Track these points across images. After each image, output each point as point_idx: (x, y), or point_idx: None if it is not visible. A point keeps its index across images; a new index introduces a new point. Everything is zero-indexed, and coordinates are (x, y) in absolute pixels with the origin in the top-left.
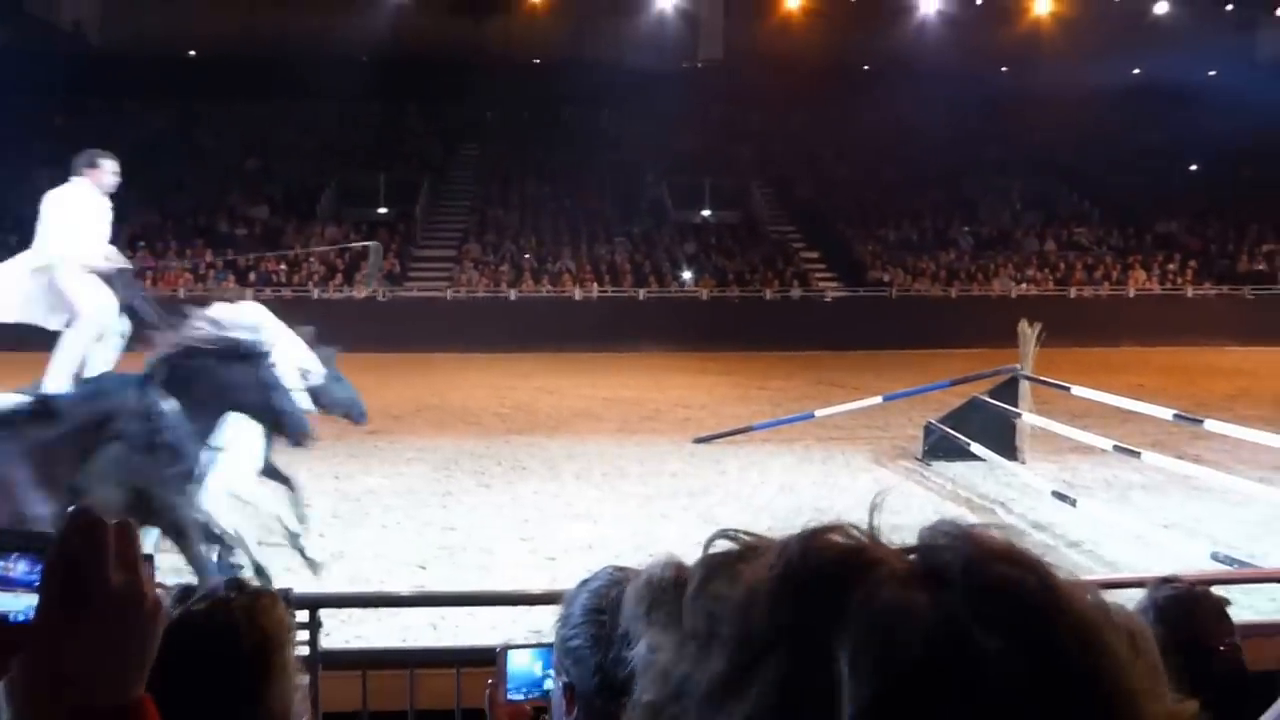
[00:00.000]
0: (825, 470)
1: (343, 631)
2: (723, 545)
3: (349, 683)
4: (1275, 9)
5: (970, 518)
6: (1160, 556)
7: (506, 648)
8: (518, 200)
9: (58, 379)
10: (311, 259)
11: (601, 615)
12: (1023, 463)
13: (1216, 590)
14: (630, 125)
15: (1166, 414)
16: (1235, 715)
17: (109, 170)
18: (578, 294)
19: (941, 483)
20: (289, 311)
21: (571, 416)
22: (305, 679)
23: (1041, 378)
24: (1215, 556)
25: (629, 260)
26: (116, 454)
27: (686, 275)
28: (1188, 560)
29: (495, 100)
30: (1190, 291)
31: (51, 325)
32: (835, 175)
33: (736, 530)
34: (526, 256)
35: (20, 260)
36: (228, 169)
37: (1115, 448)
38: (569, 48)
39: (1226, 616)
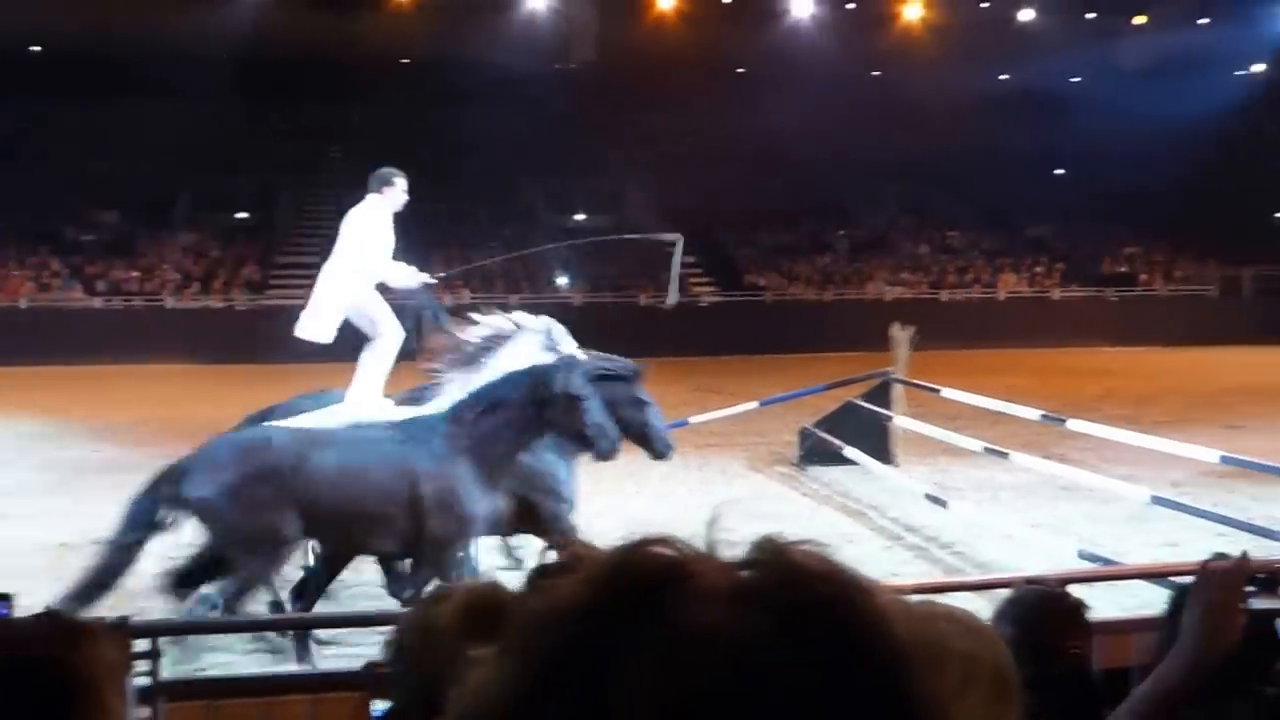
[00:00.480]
0: (702, 477)
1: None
2: (551, 557)
3: (194, 713)
4: (1133, 18)
5: (840, 521)
6: (1030, 556)
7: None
8: None
9: (367, 393)
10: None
11: (424, 636)
12: (896, 466)
13: (1083, 588)
14: (502, 127)
15: (1034, 414)
16: (1081, 715)
17: (401, 189)
18: (448, 299)
19: (817, 487)
20: (141, 322)
21: None
22: (143, 713)
23: (913, 380)
24: (1082, 554)
25: (500, 265)
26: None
27: (562, 281)
28: (1057, 558)
29: (362, 100)
30: (1058, 294)
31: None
32: (711, 179)
33: (570, 542)
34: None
35: (329, 277)
36: (74, 172)
37: (985, 449)
38: (438, 46)
39: (1079, 618)
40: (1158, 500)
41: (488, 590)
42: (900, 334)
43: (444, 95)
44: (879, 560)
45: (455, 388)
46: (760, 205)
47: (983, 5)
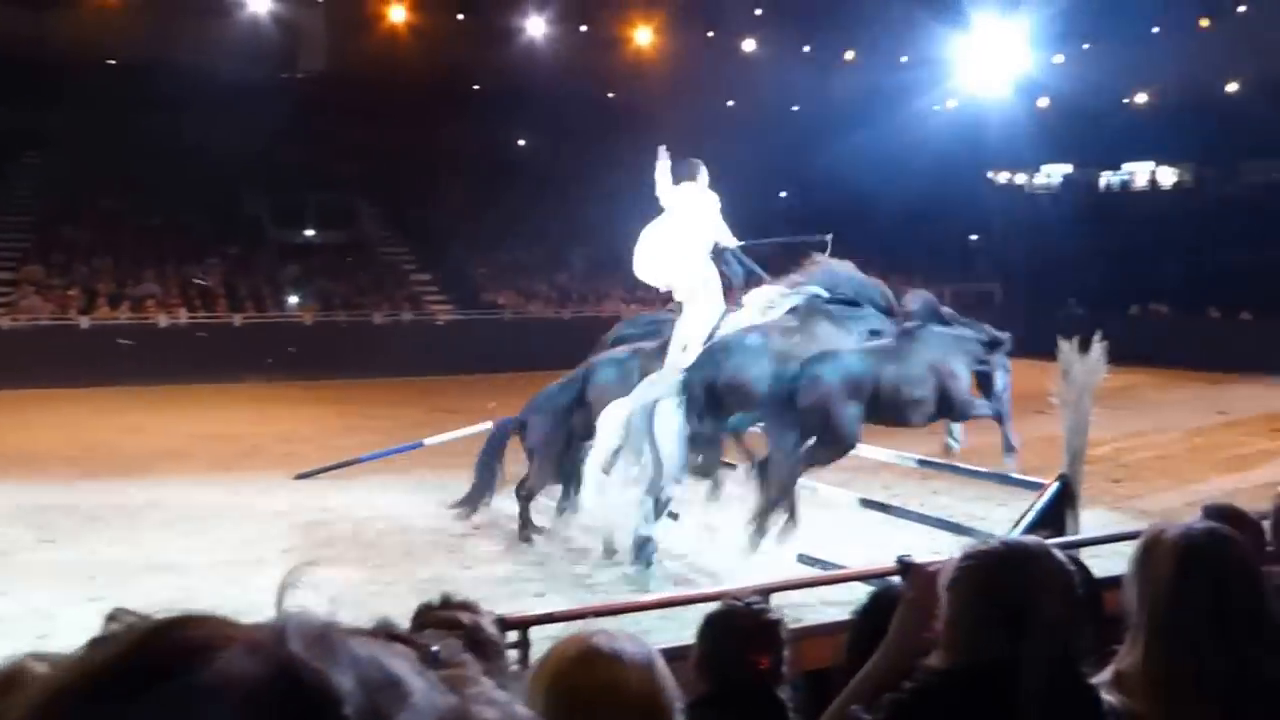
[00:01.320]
0: (438, 500)
1: None
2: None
3: None
4: (845, 53)
5: (578, 538)
6: (755, 563)
7: None
8: (90, 216)
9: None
10: None
11: None
12: None
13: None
14: (224, 137)
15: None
16: None
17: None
18: (164, 320)
19: (551, 505)
20: None
21: (157, 457)
22: None
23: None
24: (801, 559)
25: (223, 283)
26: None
27: (293, 299)
28: (780, 564)
29: (61, 103)
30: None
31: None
32: (448, 195)
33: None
34: (202, 281)
35: (667, 230)
36: None
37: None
38: (151, 49)
39: (766, 631)
40: (866, 503)
41: (12, 670)
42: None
43: (158, 101)
44: (610, 573)
45: None
46: (497, 222)
47: (709, 34)
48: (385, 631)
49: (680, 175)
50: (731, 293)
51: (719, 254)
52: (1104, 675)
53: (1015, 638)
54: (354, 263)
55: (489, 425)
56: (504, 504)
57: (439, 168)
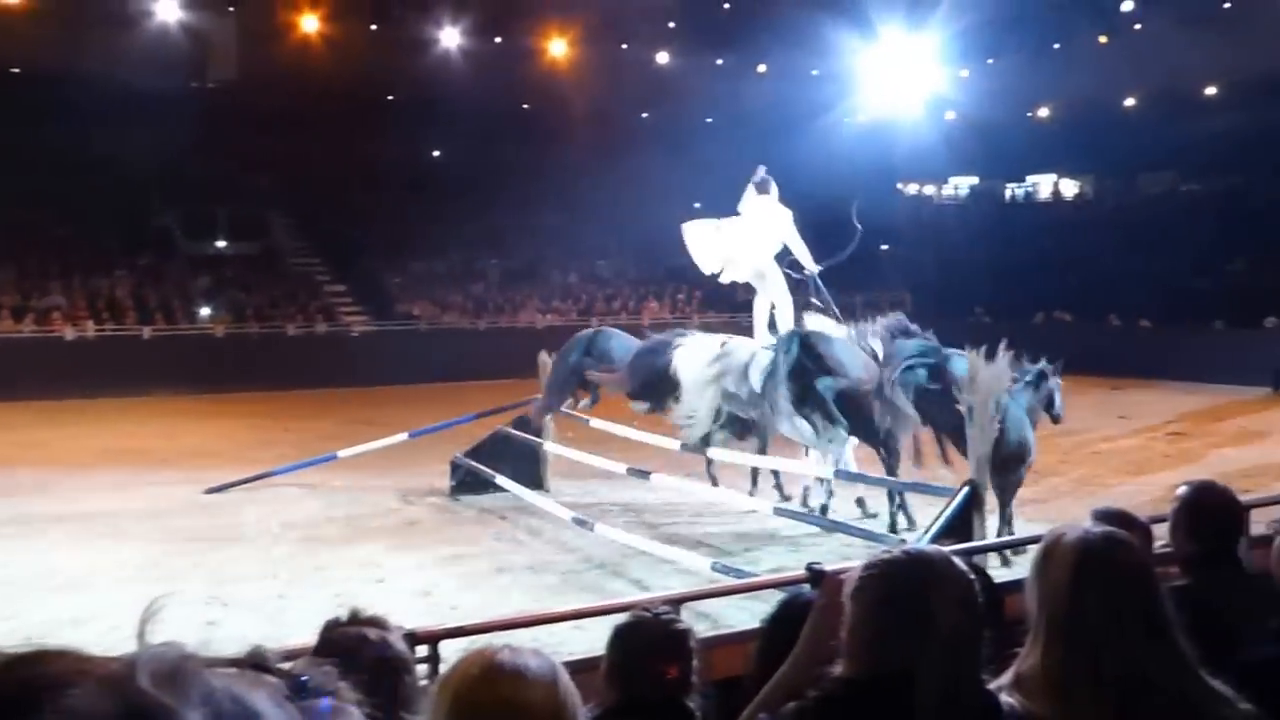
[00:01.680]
0: (351, 513)
1: None
2: None
3: None
4: (758, 65)
5: (492, 548)
6: (672, 572)
7: None
8: None
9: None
10: None
11: None
12: (548, 491)
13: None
14: (133, 147)
15: (674, 445)
16: None
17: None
18: (70, 333)
19: (470, 516)
20: None
21: (62, 473)
22: None
23: (564, 410)
24: (715, 568)
25: (132, 295)
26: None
27: (205, 311)
28: (695, 573)
29: None
30: (697, 319)
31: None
32: (361, 206)
33: None
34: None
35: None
36: None
37: (629, 470)
38: (57, 58)
39: (675, 641)
40: (779, 511)
41: None
42: (548, 361)
43: (64, 111)
44: (527, 585)
45: None
46: (412, 233)
47: (623, 46)
48: (254, 661)
49: (762, 189)
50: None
51: (803, 276)
52: (1005, 678)
53: (916, 646)
54: (266, 274)
55: (404, 437)
56: (421, 513)
57: (352, 178)
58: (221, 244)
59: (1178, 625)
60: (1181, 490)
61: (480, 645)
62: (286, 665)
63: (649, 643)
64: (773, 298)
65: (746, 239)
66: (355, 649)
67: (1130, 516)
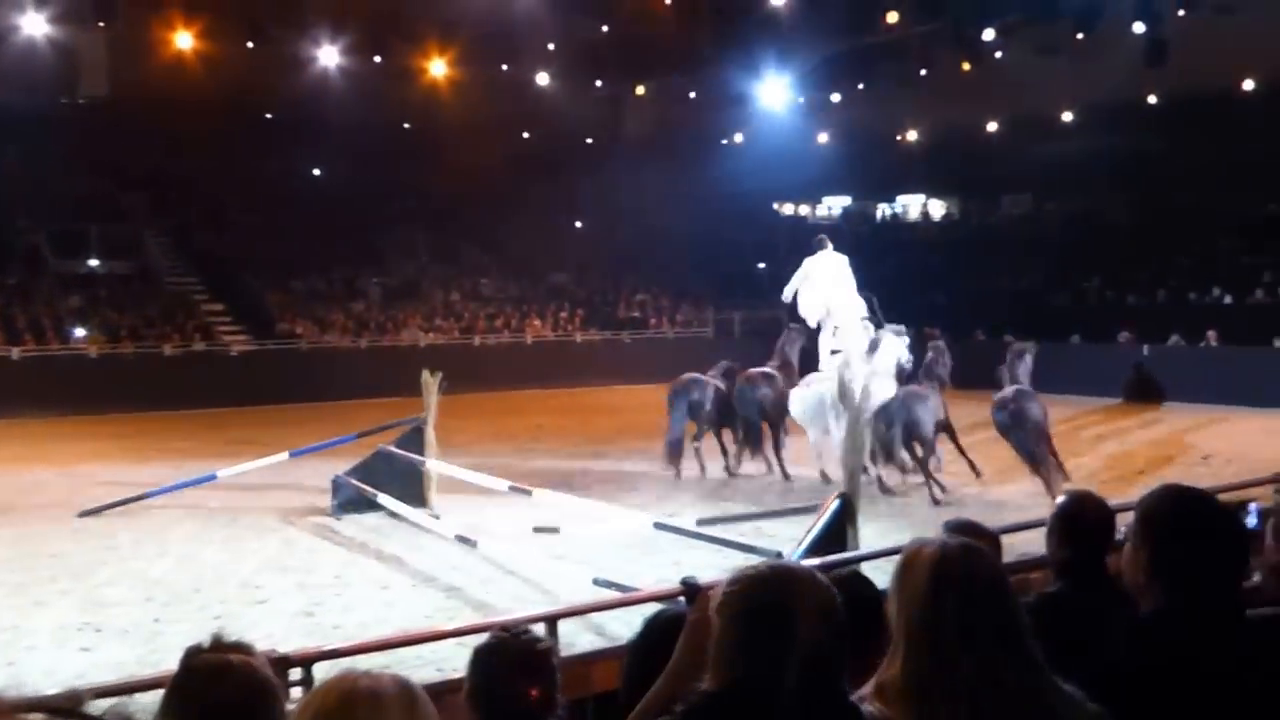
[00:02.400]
0: (231, 534)
1: None
2: None
3: None
4: (637, 88)
5: (375, 568)
6: (554, 587)
7: None
8: None
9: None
10: None
11: None
12: (431, 509)
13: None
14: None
15: (502, 485)
16: None
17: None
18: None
19: (352, 535)
20: None
21: None
22: None
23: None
24: (597, 581)
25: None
26: None
27: (80, 332)
28: (577, 588)
29: None
30: (579, 337)
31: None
32: (239, 224)
33: None
34: None
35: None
36: None
37: (511, 487)
38: None
39: (537, 660)
40: (659, 526)
41: None
42: (430, 380)
43: None
44: (411, 604)
45: None
46: (291, 252)
47: (503, 67)
48: (69, 703)
49: (816, 249)
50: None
51: (868, 302)
52: (867, 687)
53: (777, 658)
54: (141, 293)
55: (284, 457)
56: (302, 533)
57: (230, 196)
58: (94, 263)
59: (1030, 632)
60: (1060, 499)
61: (340, 671)
62: (108, 702)
63: (510, 663)
64: (843, 330)
65: (824, 288)
66: (218, 677)
67: (980, 527)
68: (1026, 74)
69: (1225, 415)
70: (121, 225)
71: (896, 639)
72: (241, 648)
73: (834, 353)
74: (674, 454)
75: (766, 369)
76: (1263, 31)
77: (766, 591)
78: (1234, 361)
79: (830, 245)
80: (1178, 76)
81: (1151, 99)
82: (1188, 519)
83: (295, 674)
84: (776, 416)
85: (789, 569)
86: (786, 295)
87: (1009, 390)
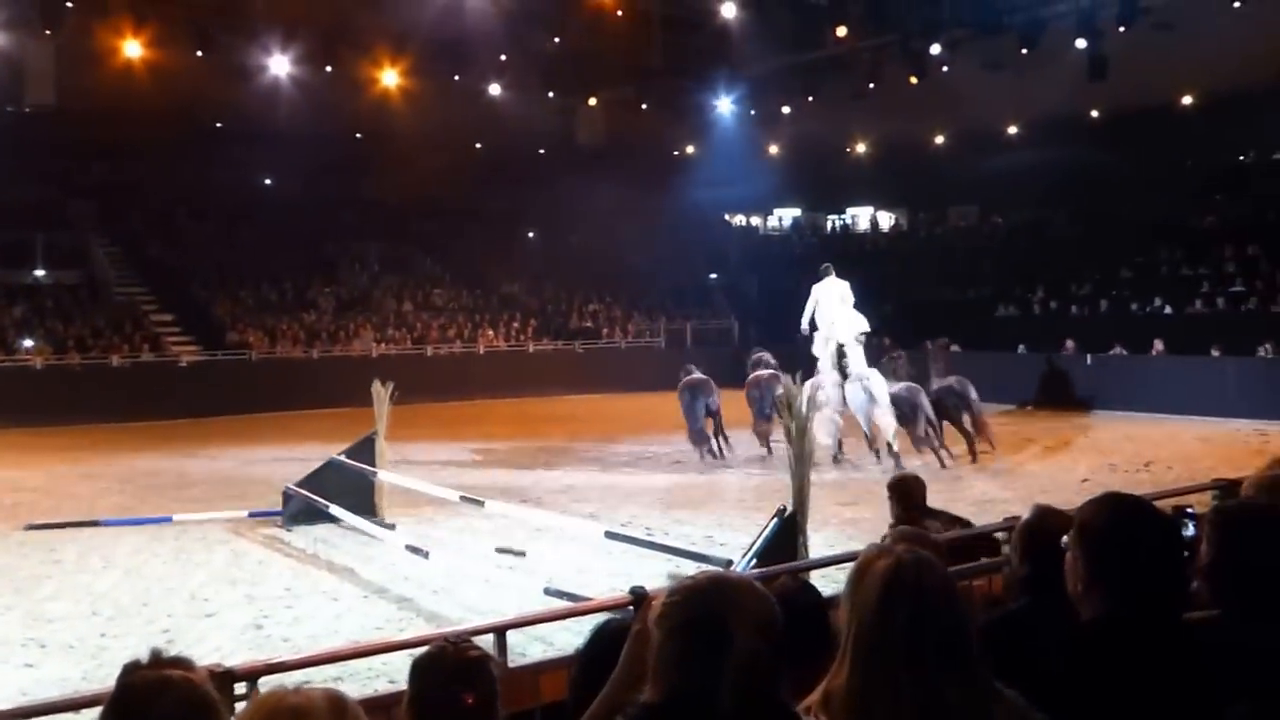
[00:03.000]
0: (179, 547)
1: None
2: None
3: None
4: (589, 99)
5: (325, 579)
6: (504, 597)
7: None
8: None
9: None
10: None
11: None
12: (383, 520)
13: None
14: None
15: (453, 495)
16: None
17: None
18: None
19: (303, 547)
20: None
21: None
22: None
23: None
24: (548, 591)
25: None
26: None
27: (28, 343)
28: (528, 598)
29: None
30: (531, 348)
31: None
32: (189, 234)
33: None
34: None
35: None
36: None
37: (462, 498)
38: None
39: (473, 668)
40: (610, 535)
41: None
42: (381, 390)
43: None
44: (362, 615)
45: None
46: (242, 261)
47: (455, 77)
48: None
49: (822, 275)
50: None
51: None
52: (814, 696)
53: (714, 668)
54: (88, 303)
55: (244, 514)
56: (252, 545)
57: (179, 206)
58: (39, 272)
59: (977, 644)
60: (1024, 515)
61: (270, 689)
62: None
63: (446, 672)
64: (843, 343)
65: (840, 310)
66: (157, 693)
67: (924, 535)
68: (972, 88)
69: (1165, 423)
70: (68, 234)
71: (844, 647)
72: (181, 663)
73: (844, 364)
74: (700, 440)
75: (774, 371)
76: (1200, 48)
77: (704, 603)
78: (1174, 371)
79: (834, 272)
80: (1119, 91)
81: (1094, 113)
82: (1125, 527)
83: (241, 688)
84: None
85: (726, 579)
86: (805, 326)
87: (901, 387)
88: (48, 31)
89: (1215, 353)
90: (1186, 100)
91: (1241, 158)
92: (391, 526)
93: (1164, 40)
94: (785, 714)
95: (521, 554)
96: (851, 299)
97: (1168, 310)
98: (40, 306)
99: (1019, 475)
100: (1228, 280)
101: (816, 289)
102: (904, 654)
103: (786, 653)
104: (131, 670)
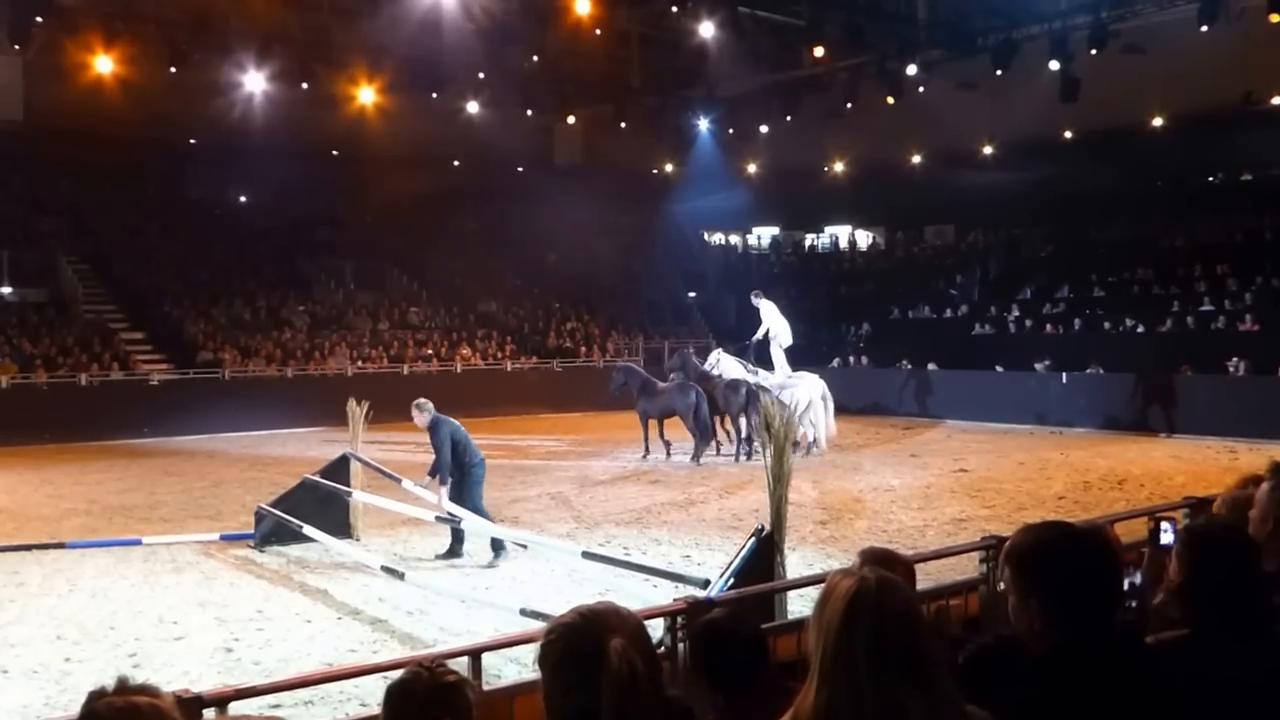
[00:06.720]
0: (147, 569)
1: None
2: None
3: None
4: (568, 117)
5: (298, 601)
6: (481, 617)
7: None
8: None
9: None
10: None
11: None
12: (357, 540)
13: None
14: None
15: (429, 515)
16: None
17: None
18: None
19: (276, 568)
20: None
21: None
22: None
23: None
24: (524, 612)
25: None
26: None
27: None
28: (504, 619)
29: None
30: (509, 366)
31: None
32: (160, 252)
33: None
34: None
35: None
36: None
37: (438, 518)
38: None
39: (446, 693)
40: (588, 555)
41: None
42: (356, 409)
43: None
44: (335, 638)
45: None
46: (215, 279)
47: (433, 95)
48: None
49: (758, 296)
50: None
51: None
52: (786, 717)
53: (595, 689)
54: (55, 321)
55: (215, 537)
56: (223, 566)
57: (150, 222)
58: (6, 290)
59: (946, 664)
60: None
61: (234, 715)
62: None
63: (422, 698)
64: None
65: (773, 320)
66: None
67: (893, 555)
68: (948, 109)
69: (1138, 441)
70: (36, 252)
71: (813, 668)
72: (147, 690)
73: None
74: (707, 438)
75: (745, 377)
76: (1169, 71)
77: (579, 635)
78: (1148, 390)
79: (762, 294)
80: (1091, 112)
81: (1067, 133)
82: (1053, 551)
83: (210, 714)
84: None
85: (593, 610)
86: (760, 335)
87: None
88: (16, 47)
89: (1187, 372)
90: (1157, 122)
91: (1211, 178)
92: (364, 547)
93: (1135, 63)
94: (676, 710)
95: (400, 575)
96: (773, 319)
97: (1140, 329)
98: (6, 324)
99: (996, 493)
100: (1197, 299)
101: (765, 305)
102: (867, 672)
103: (659, 661)
104: (97, 698)
